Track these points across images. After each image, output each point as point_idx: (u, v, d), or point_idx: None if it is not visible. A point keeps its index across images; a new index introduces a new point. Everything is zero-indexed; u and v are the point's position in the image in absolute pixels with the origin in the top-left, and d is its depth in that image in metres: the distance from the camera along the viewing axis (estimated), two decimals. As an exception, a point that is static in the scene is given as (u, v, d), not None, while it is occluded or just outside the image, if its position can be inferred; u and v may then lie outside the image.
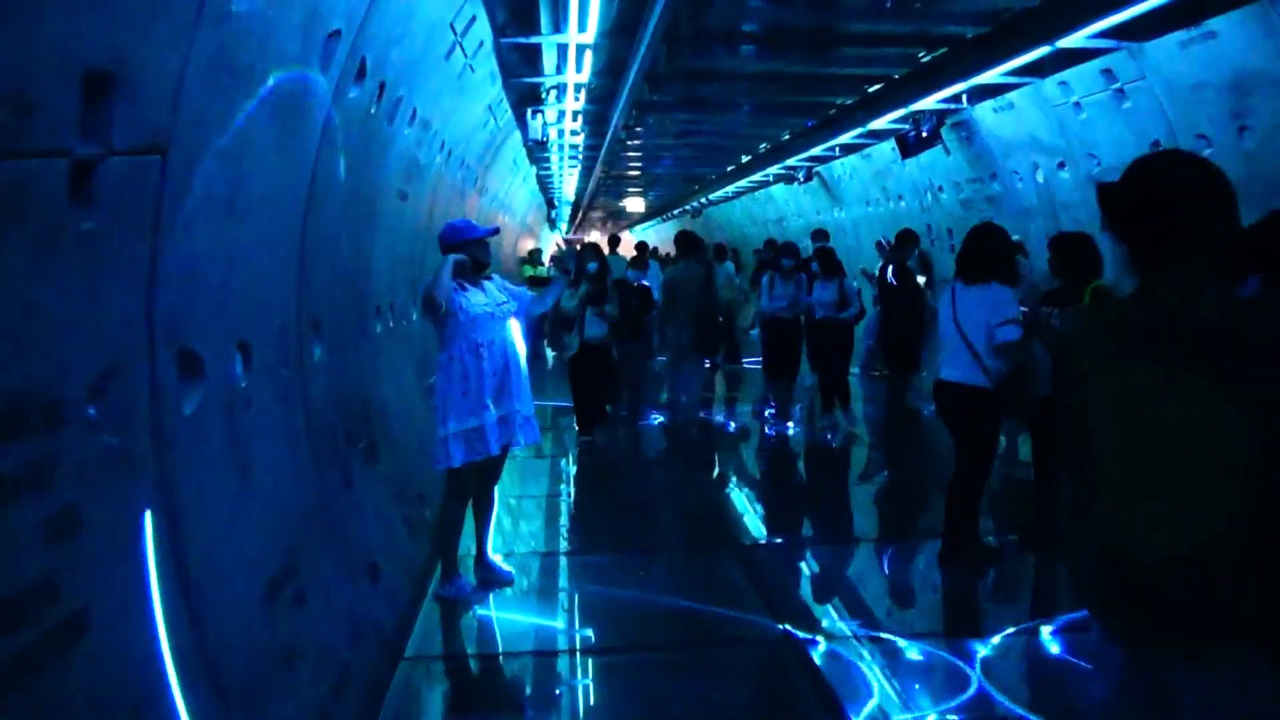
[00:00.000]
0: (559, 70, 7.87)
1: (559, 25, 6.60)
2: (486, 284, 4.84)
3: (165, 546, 2.54)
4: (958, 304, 5.11)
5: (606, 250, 11.85)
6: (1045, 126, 8.72)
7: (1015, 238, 4.95)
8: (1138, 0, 5.82)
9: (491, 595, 4.84)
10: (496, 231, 5.15)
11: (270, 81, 3.18)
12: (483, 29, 6.21)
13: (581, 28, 6.49)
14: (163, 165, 2.52)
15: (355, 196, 4.91)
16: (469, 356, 4.62)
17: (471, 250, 4.72)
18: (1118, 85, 7.44)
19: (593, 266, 8.05)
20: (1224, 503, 1.79)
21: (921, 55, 7.86)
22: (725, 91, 9.42)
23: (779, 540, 6.17)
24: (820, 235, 13.42)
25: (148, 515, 2.49)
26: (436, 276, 4.56)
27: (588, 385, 8.39)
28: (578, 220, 32.55)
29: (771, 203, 20.04)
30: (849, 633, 4.47)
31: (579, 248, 8.95)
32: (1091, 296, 5.04)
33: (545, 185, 19.12)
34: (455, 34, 5.72)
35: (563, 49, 7.24)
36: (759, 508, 6.95)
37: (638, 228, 34.54)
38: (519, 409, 4.77)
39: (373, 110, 4.74)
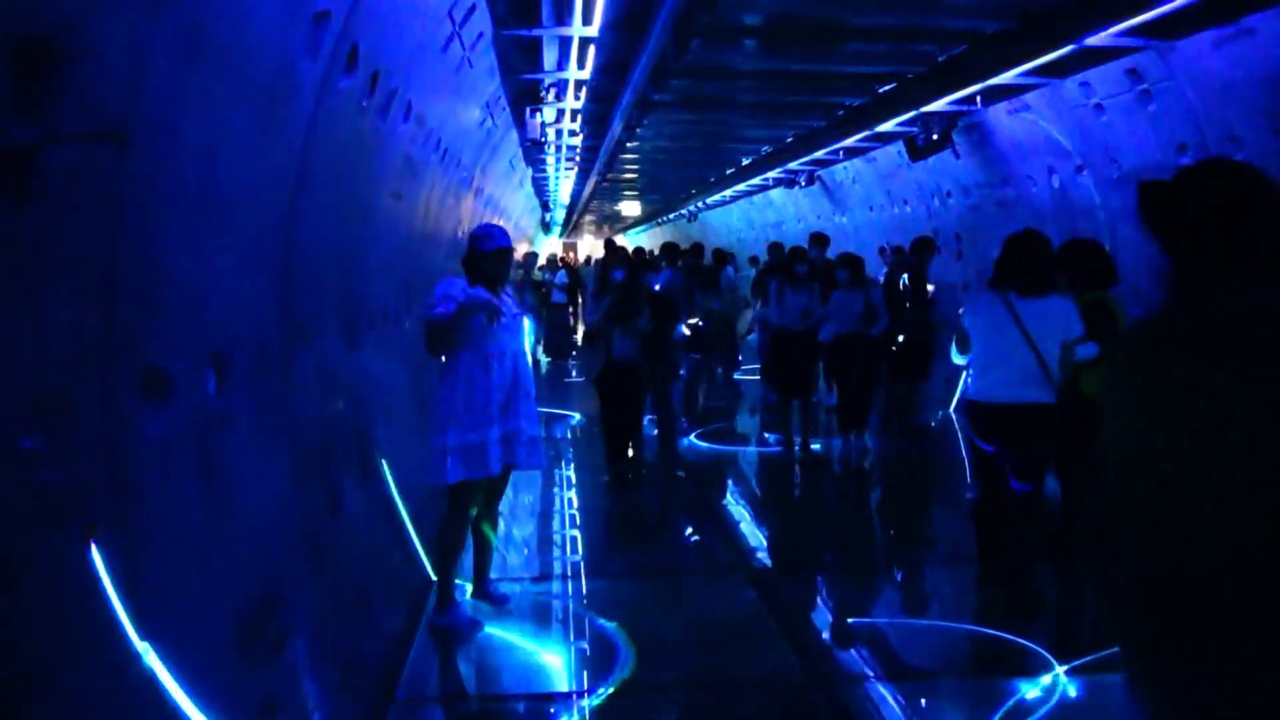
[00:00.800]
0: (560, 66, 7.54)
1: (562, 17, 6.27)
2: (506, 296, 4.54)
3: (123, 591, 2.20)
4: (1023, 318, 4.64)
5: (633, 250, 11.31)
6: (1063, 129, 8.43)
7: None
8: (1170, -3, 5.55)
9: (491, 626, 4.49)
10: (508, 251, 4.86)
11: (250, 65, 2.84)
12: (482, 19, 5.87)
13: (586, 20, 6.16)
14: (121, 155, 2.18)
15: (346, 195, 4.57)
16: (477, 367, 4.27)
17: (496, 261, 4.42)
18: (1144, 86, 7.14)
19: (619, 275, 7.27)
20: None
21: (938, 56, 7.55)
22: (731, 90, 9.10)
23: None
24: (819, 240, 13.11)
25: (98, 558, 2.15)
26: (443, 313, 4.13)
27: (619, 413, 7.30)
28: (572, 224, 32.23)
29: (770, 207, 19.75)
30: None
31: (561, 262, 7.92)
32: (1093, 309, 4.80)
33: (541, 188, 18.78)
34: (454, 23, 5.38)
35: (565, 43, 6.91)
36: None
37: (632, 231, 34.27)
38: (524, 428, 4.42)
39: (365, 103, 4.39)
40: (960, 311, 5.39)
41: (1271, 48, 5.87)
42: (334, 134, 3.98)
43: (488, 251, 4.37)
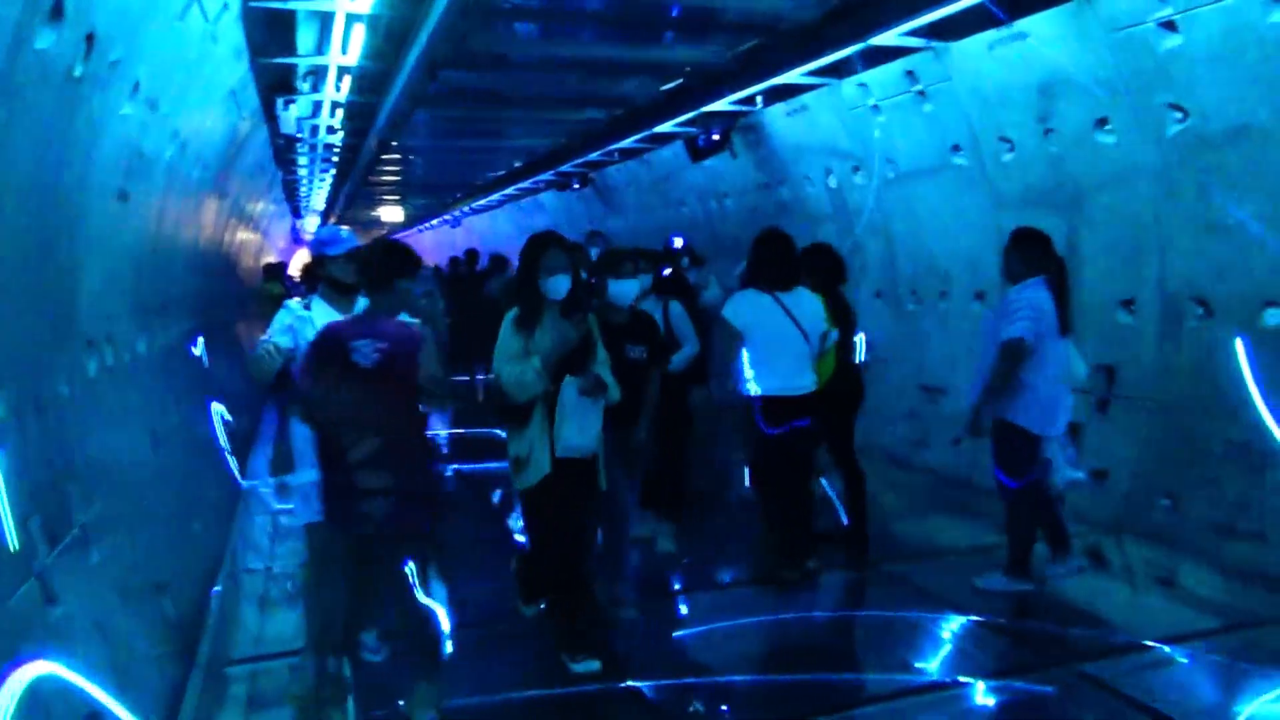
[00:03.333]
0: (319, 50, 6.63)
1: (323, -11, 5.44)
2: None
3: None
4: (790, 310, 5.14)
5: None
6: (841, 130, 8.54)
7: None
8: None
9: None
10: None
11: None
12: (226, -14, 4.94)
13: (351, -6, 5.37)
14: None
15: (50, 191, 3.57)
16: None
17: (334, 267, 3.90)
18: (919, 87, 7.30)
19: (561, 285, 4.15)
20: None
21: (726, 53, 7.34)
22: (508, 83, 8.50)
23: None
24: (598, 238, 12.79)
25: None
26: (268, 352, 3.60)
27: (562, 537, 4.23)
28: (326, 231, 30.11)
29: (541, 211, 19.30)
30: None
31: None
32: (832, 301, 5.53)
33: (292, 191, 17.21)
34: (191, -14, 4.44)
35: (326, 21, 6.03)
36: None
37: (394, 237, 32.69)
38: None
39: (78, 71, 3.42)
40: (723, 314, 5.32)
41: (1042, 52, 6.10)
42: (31, 108, 3.02)
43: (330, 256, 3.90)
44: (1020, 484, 4.99)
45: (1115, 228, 6.21)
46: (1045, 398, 4.90)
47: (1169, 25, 5.23)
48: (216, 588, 4.97)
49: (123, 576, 4.00)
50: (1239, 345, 5.09)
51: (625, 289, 4.61)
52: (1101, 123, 6.00)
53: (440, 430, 10.41)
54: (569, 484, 4.12)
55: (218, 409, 7.49)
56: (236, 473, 7.39)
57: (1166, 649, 4.30)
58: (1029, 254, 4.98)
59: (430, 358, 3.49)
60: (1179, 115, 5.50)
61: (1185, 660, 4.21)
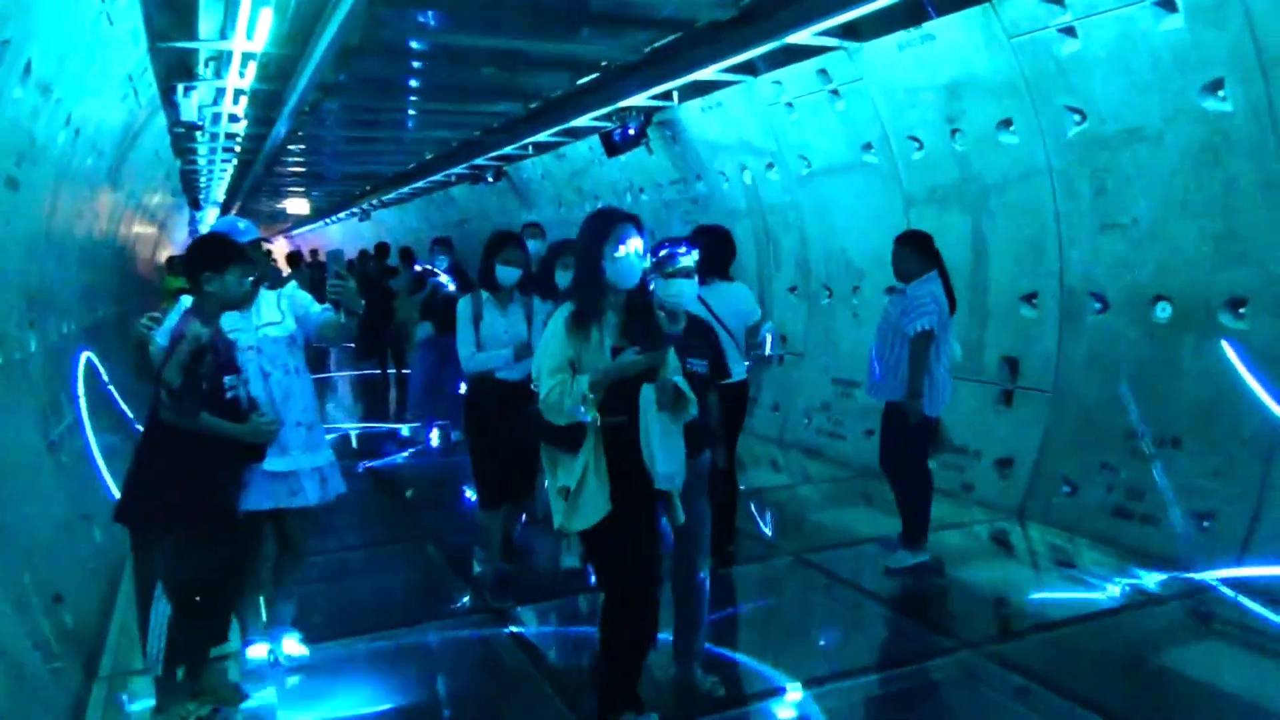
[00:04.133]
0: (223, 35, 6.37)
1: (227, -27, 5.23)
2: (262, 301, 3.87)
3: None
4: (710, 303, 5.02)
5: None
6: (755, 126, 8.64)
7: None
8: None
9: None
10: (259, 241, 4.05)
11: None
12: (123, -36, 4.71)
13: (258, -22, 5.19)
14: None
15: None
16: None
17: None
18: (833, 86, 7.44)
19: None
20: None
21: (645, 47, 7.33)
22: (421, 75, 8.33)
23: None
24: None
25: None
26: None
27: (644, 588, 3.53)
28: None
29: (453, 205, 19.01)
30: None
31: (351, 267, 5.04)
32: None
33: (191, 182, 16.54)
34: (86, -36, 4.22)
35: (231, 4, 5.80)
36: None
37: (299, 231, 31.78)
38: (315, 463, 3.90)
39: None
40: None
41: (950, 53, 6.28)
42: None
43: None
44: (913, 461, 5.27)
45: (1018, 225, 6.45)
46: (939, 382, 5.18)
47: (1068, 31, 5.46)
48: (120, 597, 4.76)
49: (16, 586, 3.79)
50: (1227, 347, 5.18)
51: (683, 289, 3.79)
52: (1006, 123, 6.22)
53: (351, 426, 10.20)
54: (638, 521, 3.30)
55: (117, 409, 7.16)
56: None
57: (1067, 631, 4.50)
58: (924, 251, 5.21)
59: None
60: (1077, 118, 5.74)
61: (1084, 640, 4.41)
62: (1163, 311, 5.55)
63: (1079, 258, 6.06)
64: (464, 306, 4.82)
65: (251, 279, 3.64)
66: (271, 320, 3.89)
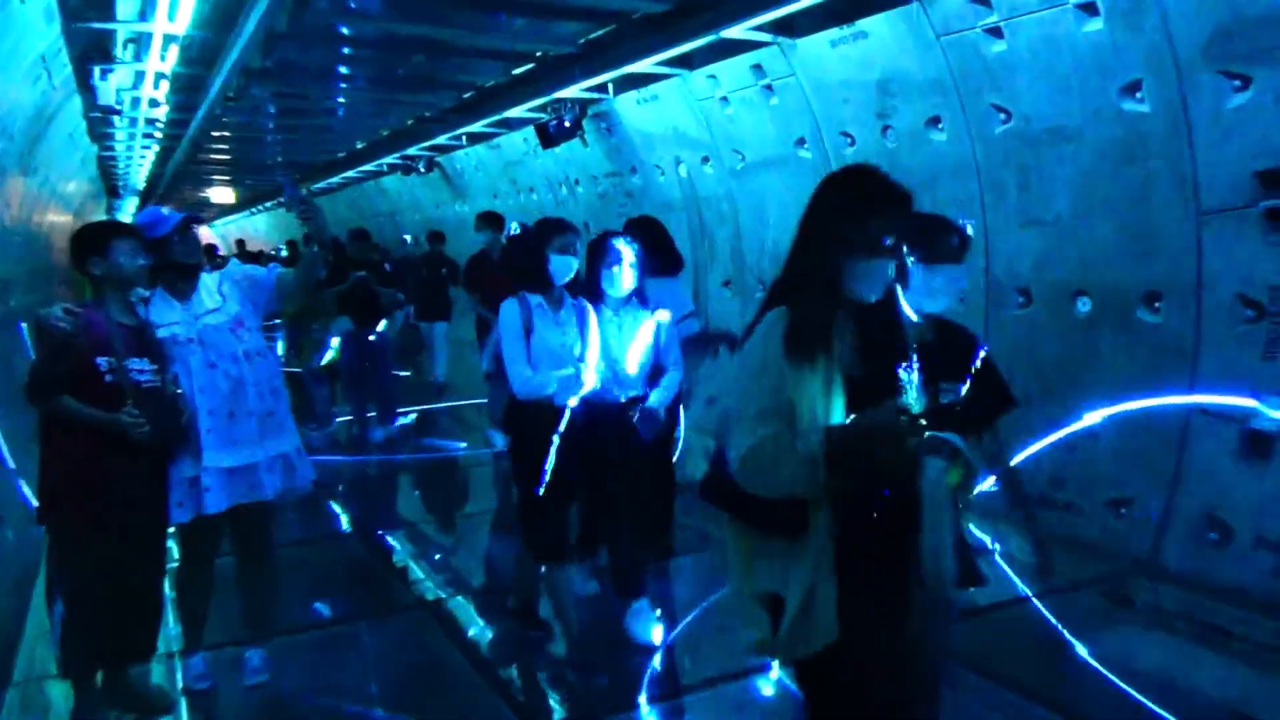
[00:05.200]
0: (143, 16, 6.15)
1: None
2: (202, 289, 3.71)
3: None
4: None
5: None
6: (691, 120, 8.67)
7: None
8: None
9: None
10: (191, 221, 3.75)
11: None
12: (34, -60, 4.51)
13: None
14: None
15: None
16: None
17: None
18: (766, 81, 7.50)
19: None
20: None
21: (580, 38, 7.30)
22: (351, 62, 8.17)
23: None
24: (438, 238, 12.57)
25: None
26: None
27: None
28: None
29: (384, 196, 18.71)
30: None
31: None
32: None
33: (109, 169, 15.96)
34: (-7, -62, 4.03)
35: (151, -14, 5.62)
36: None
37: (222, 221, 30.92)
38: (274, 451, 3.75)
39: None
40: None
41: (881, 51, 6.38)
42: None
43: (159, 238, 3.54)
44: None
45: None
46: None
47: (995, 31, 5.59)
48: (33, 599, 4.58)
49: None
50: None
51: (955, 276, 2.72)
52: (934, 121, 6.35)
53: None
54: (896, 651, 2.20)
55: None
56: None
57: (993, 615, 4.63)
58: None
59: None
60: (1003, 116, 5.88)
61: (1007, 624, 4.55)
62: (1083, 305, 5.74)
63: (1003, 253, 6.22)
64: (510, 314, 4.00)
65: (143, 261, 3.42)
66: (210, 308, 3.70)
